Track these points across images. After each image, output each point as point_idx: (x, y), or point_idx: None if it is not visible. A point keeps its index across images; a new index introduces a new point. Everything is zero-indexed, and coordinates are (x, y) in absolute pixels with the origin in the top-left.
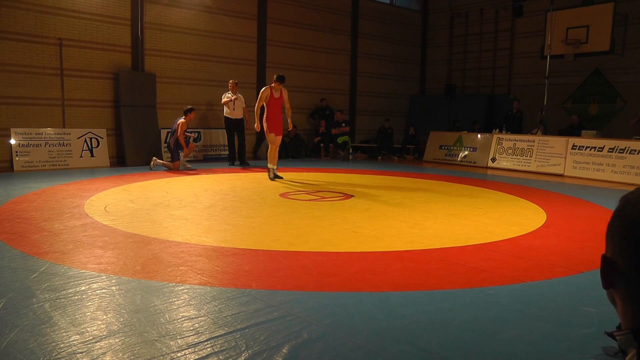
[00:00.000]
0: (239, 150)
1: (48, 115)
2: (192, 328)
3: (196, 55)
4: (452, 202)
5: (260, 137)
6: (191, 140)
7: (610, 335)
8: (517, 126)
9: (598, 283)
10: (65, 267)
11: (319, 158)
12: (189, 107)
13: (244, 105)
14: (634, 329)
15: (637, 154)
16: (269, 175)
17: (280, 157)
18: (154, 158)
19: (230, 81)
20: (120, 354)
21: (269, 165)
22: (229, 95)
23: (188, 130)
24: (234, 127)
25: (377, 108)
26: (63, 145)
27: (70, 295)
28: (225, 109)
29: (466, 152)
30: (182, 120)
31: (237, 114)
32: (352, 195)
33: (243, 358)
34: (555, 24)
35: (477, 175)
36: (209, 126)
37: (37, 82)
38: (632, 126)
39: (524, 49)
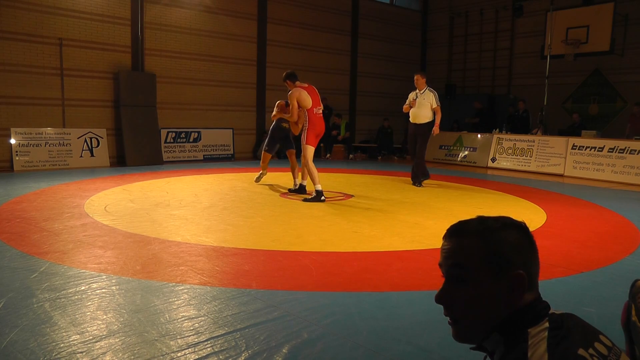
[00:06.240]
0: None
1: (48, 115)
2: (192, 328)
3: (196, 55)
4: (452, 202)
5: (260, 137)
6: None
7: (478, 347)
8: (523, 126)
9: (598, 283)
10: (65, 267)
11: (319, 158)
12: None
13: None
14: (495, 327)
15: (637, 154)
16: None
17: (279, 157)
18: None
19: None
20: (120, 354)
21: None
22: None
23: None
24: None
25: (377, 108)
26: (63, 145)
27: (70, 295)
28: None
29: (466, 152)
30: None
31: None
32: (352, 195)
33: (243, 358)
34: (555, 24)
35: (477, 175)
36: (209, 126)
37: (37, 82)
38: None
39: (524, 49)
